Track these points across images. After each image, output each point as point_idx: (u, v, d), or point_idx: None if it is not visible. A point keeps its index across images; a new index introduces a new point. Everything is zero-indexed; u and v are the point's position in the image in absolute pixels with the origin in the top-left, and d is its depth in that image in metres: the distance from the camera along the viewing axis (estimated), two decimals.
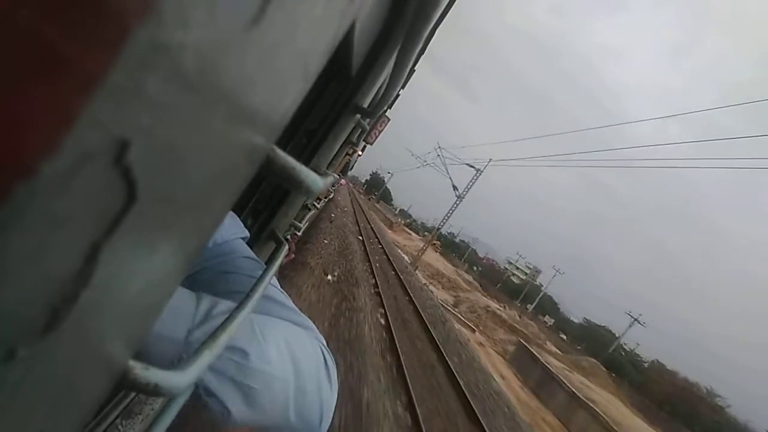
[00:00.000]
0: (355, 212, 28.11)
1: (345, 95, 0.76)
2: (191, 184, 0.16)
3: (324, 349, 0.57)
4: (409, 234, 51.52)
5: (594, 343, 69.07)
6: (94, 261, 0.12)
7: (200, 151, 0.15)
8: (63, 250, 0.11)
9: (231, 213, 0.71)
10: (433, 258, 35.66)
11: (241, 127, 0.18)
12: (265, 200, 0.94)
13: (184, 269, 0.21)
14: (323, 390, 0.53)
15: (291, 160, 0.25)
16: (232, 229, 0.69)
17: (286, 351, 0.50)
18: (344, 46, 0.39)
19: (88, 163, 0.10)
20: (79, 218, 0.11)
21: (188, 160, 0.15)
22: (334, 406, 0.55)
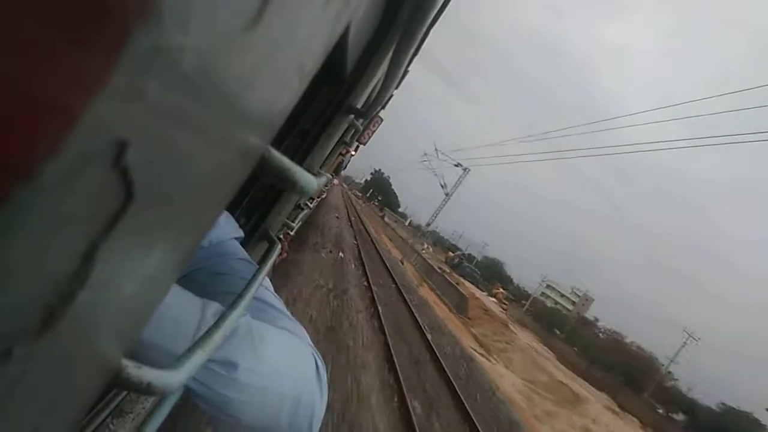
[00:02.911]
0: (358, 245, 13.82)
1: (339, 96, 0.76)
2: (187, 184, 0.16)
3: (316, 356, 0.58)
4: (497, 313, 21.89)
5: None
6: (91, 261, 0.12)
7: (197, 152, 0.15)
8: (61, 250, 0.11)
9: (226, 213, 0.71)
10: None
11: (238, 127, 0.18)
12: (258, 199, 0.94)
13: (178, 268, 0.22)
14: (315, 399, 0.55)
15: (286, 161, 0.25)
16: (227, 229, 0.69)
17: (285, 363, 0.52)
18: (339, 47, 0.39)
19: (87, 164, 0.10)
20: (78, 218, 0.11)
21: (185, 161, 0.15)
22: (323, 413, 0.57)
